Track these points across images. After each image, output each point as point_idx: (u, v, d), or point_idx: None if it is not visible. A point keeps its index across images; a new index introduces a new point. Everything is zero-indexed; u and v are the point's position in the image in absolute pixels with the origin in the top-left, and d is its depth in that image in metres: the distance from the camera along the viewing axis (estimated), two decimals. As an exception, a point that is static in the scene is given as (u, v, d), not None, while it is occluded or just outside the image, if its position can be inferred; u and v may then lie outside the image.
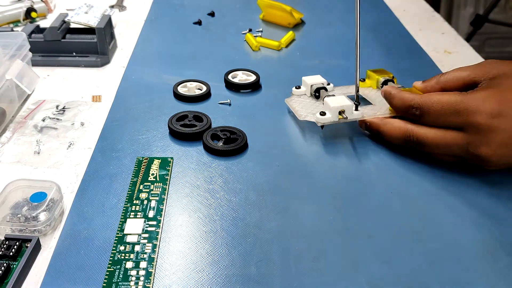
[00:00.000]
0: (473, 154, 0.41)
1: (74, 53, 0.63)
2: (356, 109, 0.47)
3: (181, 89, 0.56)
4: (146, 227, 0.38)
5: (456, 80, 0.44)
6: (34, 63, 0.60)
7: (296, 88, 0.52)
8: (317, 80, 0.52)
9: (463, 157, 0.42)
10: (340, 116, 0.46)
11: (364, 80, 0.53)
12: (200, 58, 0.64)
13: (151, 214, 0.39)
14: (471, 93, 0.41)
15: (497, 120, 0.39)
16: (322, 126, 0.47)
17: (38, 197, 0.39)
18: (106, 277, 0.34)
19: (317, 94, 0.51)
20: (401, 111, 0.45)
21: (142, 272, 0.34)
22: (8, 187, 0.39)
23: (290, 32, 0.69)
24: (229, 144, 0.46)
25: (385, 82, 0.51)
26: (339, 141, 0.48)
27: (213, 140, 0.47)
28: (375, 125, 0.46)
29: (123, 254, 0.35)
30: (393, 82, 0.51)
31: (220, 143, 0.46)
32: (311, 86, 0.51)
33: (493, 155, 0.40)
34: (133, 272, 0.34)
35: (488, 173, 0.43)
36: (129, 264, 0.35)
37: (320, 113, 0.46)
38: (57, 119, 0.51)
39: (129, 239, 0.37)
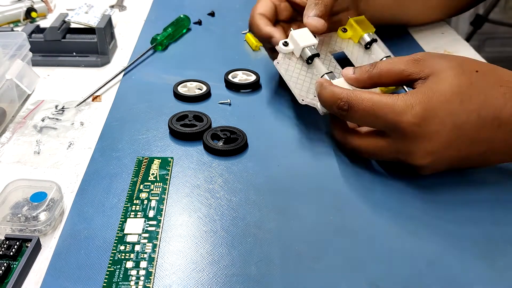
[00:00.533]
0: (404, 161, 0.40)
1: (74, 53, 0.63)
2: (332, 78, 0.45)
3: (181, 89, 0.56)
4: (146, 227, 0.38)
5: (389, 75, 0.42)
6: (34, 63, 0.60)
7: (283, 44, 0.48)
8: (308, 40, 0.47)
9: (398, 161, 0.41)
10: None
11: (346, 30, 0.51)
12: (200, 58, 0.64)
13: (151, 214, 0.39)
14: (403, 96, 0.39)
15: (423, 128, 0.37)
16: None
17: (38, 197, 0.39)
18: (106, 276, 0.34)
19: (310, 61, 0.48)
20: (328, 105, 0.42)
21: (142, 272, 0.34)
22: (8, 187, 0.39)
23: None
24: (229, 144, 0.46)
25: (369, 43, 0.49)
26: (339, 141, 0.48)
27: (213, 140, 0.47)
28: (317, 87, 0.44)
29: (123, 254, 0.35)
30: (376, 40, 0.50)
31: (220, 143, 0.46)
32: (303, 50, 0.47)
33: (423, 163, 0.39)
34: (133, 272, 0.34)
35: (488, 173, 0.43)
36: (129, 264, 0.35)
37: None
38: (57, 119, 0.51)
39: (129, 239, 0.37)
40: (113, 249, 0.36)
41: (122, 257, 0.35)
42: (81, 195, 0.41)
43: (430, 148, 0.38)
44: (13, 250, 0.35)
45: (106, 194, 0.41)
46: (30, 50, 0.56)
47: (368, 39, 0.50)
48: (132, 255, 0.35)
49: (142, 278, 0.34)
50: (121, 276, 0.34)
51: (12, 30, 0.64)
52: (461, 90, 0.38)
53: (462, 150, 0.39)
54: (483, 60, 0.56)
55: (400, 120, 0.38)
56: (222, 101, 0.54)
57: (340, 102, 0.41)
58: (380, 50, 0.50)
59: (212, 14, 0.78)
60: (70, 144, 0.48)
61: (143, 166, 0.44)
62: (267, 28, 0.51)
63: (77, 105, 0.53)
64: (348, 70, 0.45)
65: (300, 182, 0.43)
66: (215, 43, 0.69)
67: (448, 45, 0.68)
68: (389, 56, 0.50)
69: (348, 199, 0.41)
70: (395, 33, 0.70)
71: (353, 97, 0.40)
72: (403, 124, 0.38)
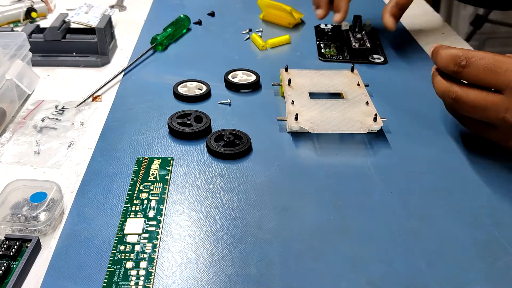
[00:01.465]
0: (509, 122, 0.40)
1: (74, 53, 0.63)
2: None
3: (181, 89, 0.56)
4: (146, 227, 0.38)
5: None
6: (34, 63, 0.60)
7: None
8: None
9: (498, 125, 0.41)
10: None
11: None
12: (200, 58, 0.64)
13: (151, 214, 0.39)
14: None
15: None
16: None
17: (38, 197, 0.39)
18: (106, 277, 0.34)
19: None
20: (445, 63, 0.43)
21: (142, 272, 0.34)
22: (8, 187, 0.39)
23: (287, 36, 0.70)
24: (233, 148, 0.46)
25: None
26: (338, 140, 0.48)
27: (217, 142, 0.47)
28: (433, 53, 0.45)
29: (123, 254, 0.35)
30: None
31: (221, 146, 0.46)
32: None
33: None
34: (133, 272, 0.34)
35: (488, 173, 0.43)
36: (129, 264, 0.35)
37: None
38: (57, 119, 0.51)
39: (129, 239, 0.37)
40: (113, 249, 0.36)
41: (122, 257, 0.35)
42: (81, 195, 0.41)
43: None
44: (13, 250, 0.35)
45: (106, 194, 0.41)
46: (30, 50, 0.56)
47: None
48: (132, 255, 0.35)
49: (142, 278, 0.34)
50: (121, 276, 0.34)
51: (12, 30, 0.64)
52: None
53: None
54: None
55: None
56: (222, 101, 0.54)
57: (459, 59, 0.41)
58: None
59: (212, 14, 0.78)
60: (70, 144, 0.48)
61: (143, 166, 0.44)
62: None
63: (77, 106, 0.53)
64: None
65: (300, 182, 0.43)
66: (215, 43, 0.69)
67: (448, 45, 0.68)
68: None
69: (348, 199, 0.41)
70: (395, 33, 0.70)
71: (473, 54, 0.41)
72: None
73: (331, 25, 0.74)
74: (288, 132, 0.49)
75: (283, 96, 0.54)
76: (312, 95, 0.52)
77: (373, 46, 0.66)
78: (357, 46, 0.64)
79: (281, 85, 0.55)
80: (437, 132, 0.49)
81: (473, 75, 0.41)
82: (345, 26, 0.70)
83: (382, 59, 0.64)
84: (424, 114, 0.52)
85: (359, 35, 0.67)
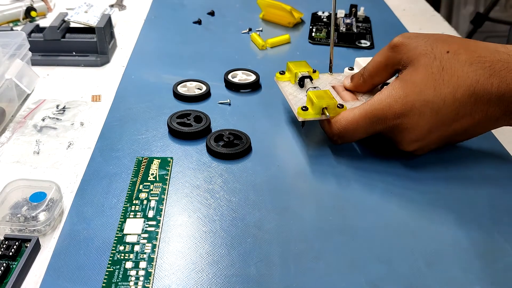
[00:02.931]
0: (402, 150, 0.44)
1: (74, 53, 0.63)
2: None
3: (181, 89, 0.56)
4: (146, 227, 0.38)
5: (377, 72, 0.45)
6: (34, 63, 0.60)
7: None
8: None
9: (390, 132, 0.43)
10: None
11: (283, 72, 0.51)
12: (200, 57, 0.64)
13: (150, 214, 0.39)
14: (378, 95, 0.42)
15: (404, 121, 0.41)
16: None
17: (38, 197, 0.39)
18: (106, 277, 0.34)
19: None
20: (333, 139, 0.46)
21: (141, 272, 0.34)
22: (7, 187, 0.39)
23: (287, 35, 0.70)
24: (233, 148, 0.46)
25: (301, 79, 0.49)
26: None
27: (217, 142, 0.46)
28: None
29: (122, 254, 0.35)
30: (311, 79, 0.49)
31: (220, 146, 0.46)
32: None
33: (411, 149, 0.43)
34: (133, 272, 0.34)
35: (488, 173, 0.43)
36: (129, 264, 0.35)
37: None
38: (57, 119, 0.51)
39: (128, 239, 0.37)
40: (112, 250, 0.36)
41: (122, 257, 0.35)
42: (80, 195, 0.41)
43: (415, 137, 0.42)
44: (12, 250, 0.35)
45: (105, 194, 0.41)
46: (30, 49, 0.56)
47: (300, 75, 0.49)
48: (131, 256, 0.35)
49: (141, 278, 0.34)
50: (120, 276, 0.34)
51: (12, 30, 0.64)
52: (434, 77, 0.40)
53: (445, 131, 0.41)
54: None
55: (385, 119, 0.42)
56: (222, 101, 0.54)
57: (334, 138, 0.45)
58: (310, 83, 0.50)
59: (212, 13, 0.77)
60: (70, 144, 0.48)
61: (142, 166, 0.44)
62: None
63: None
64: (347, 80, 0.49)
65: (300, 182, 0.43)
66: (215, 43, 0.69)
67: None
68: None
69: (348, 199, 0.41)
70: (395, 33, 0.70)
71: (336, 127, 0.44)
72: (389, 122, 0.42)
73: (328, 12, 0.78)
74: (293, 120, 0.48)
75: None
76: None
77: (363, 32, 0.70)
78: (344, 30, 0.69)
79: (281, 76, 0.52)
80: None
81: (351, 137, 0.44)
82: (340, 13, 0.74)
83: (369, 44, 0.67)
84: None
85: (348, 21, 0.71)
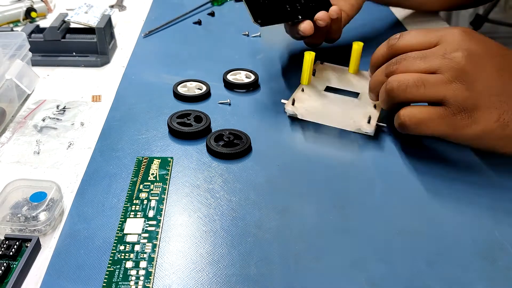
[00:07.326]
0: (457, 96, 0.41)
1: (74, 53, 0.63)
2: None
3: (181, 89, 0.56)
4: (146, 226, 0.38)
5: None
6: (34, 63, 0.60)
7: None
8: None
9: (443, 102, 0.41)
10: None
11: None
12: (200, 58, 0.64)
13: (151, 213, 0.39)
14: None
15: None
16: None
17: (38, 197, 0.39)
18: (106, 276, 0.34)
19: None
20: (381, 47, 0.47)
21: (142, 272, 0.34)
22: (8, 187, 0.39)
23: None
24: (233, 147, 0.46)
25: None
26: (339, 140, 0.48)
27: (217, 142, 0.47)
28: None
29: (123, 254, 0.35)
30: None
31: (220, 146, 0.46)
32: None
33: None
34: (133, 272, 0.34)
35: (488, 173, 0.43)
36: (129, 264, 0.35)
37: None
38: (57, 119, 0.51)
39: (129, 238, 0.37)
40: (112, 249, 0.36)
41: (122, 257, 0.35)
42: (80, 195, 0.41)
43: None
44: (13, 250, 0.35)
45: (105, 194, 0.41)
46: (30, 50, 0.56)
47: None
48: (131, 255, 0.35)
49: (141, 278, 0.34)
50: (120, 276, 0.34)
51: (12, 30, 0.64)
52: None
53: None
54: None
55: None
56: (222, 101, 0.54)
57: (393, 37, 0.46)
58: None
59: (212, 14, 0.78)
60: (70, 144, 0.48)
61: (142, 166, 0.44)
62: None
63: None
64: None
65: (300, 182, 0.43)
66: (215, 43, 0.69)
67: (448, 45, 0.68)
68: None
69: (348, 199, 0.41)
70: (395, 33, 0.70)
71: (397, 46, 0.45)
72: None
73: None
74: (288, 116, 0.50)
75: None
76: (330, 89, 0.53)
77: None
78: None
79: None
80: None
81: (406, 40, 0.45)
82: None
83: None
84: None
85: None
